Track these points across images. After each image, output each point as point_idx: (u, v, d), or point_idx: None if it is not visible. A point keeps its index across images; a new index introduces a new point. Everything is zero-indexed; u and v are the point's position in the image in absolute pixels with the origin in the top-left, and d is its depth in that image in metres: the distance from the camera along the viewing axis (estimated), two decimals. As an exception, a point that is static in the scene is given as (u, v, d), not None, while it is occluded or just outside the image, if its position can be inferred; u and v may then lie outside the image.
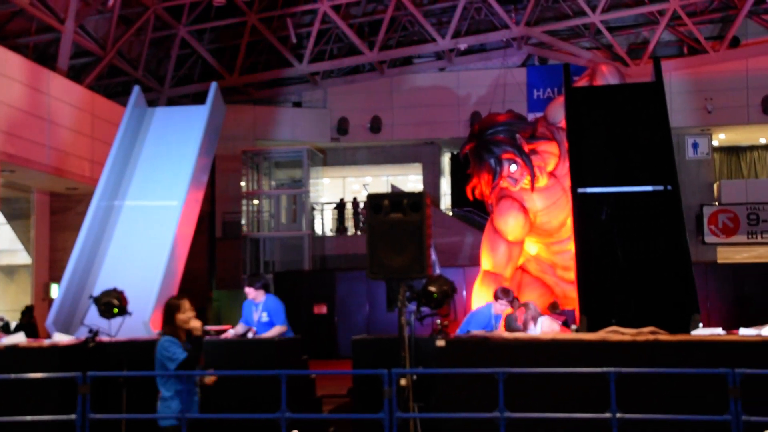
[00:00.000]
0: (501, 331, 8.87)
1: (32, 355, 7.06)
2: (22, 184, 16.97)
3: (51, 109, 15.68)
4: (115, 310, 7.56)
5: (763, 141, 24.43)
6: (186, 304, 6.06)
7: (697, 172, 22.88)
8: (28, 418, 6.22)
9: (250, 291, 9.05)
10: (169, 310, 6.04)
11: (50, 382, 6.59)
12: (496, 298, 9.05)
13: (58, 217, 18.12)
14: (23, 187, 17.35)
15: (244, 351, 8.21)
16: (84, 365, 6.38)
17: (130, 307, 7.85)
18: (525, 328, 9.07)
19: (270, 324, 8.95)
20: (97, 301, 7.61)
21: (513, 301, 10.68)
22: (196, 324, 5.93)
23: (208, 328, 9.35)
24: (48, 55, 17.58)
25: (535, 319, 9.10)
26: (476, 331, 8.38)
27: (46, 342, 7.72)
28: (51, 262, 17.94)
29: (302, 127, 23.71)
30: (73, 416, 5.82)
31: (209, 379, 6.00)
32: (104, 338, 7.66)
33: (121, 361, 7.19)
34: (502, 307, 9.04)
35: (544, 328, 9.07)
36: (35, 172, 15.59)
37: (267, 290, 9.12)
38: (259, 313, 9.02)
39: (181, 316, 5.94)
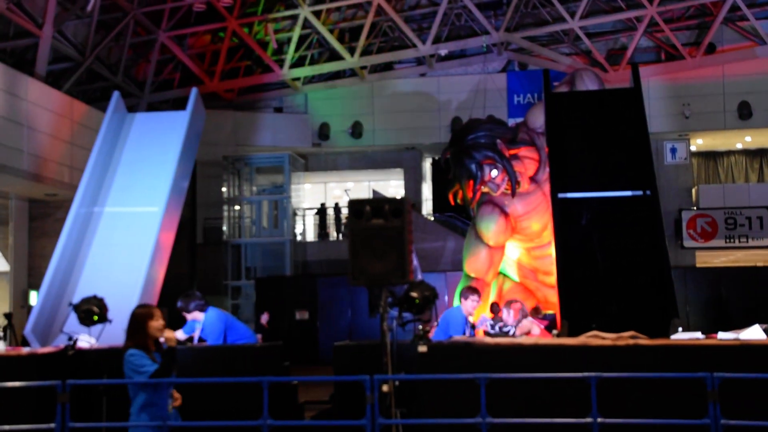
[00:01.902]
0: (481, 335, 8.90)
1: (11, 364, 6.99)
2: (-1, 190, 16.81)
3: (29, 114, 15.53)
4: (95, 318, 7.49)
5: (739, 146, 24.74)
6: (157, 311, 5.71)
7: (676, 177, 23.10)
8: (6, 427, 6.15)
9: (186, 316, 8.71)
10: (139, 318, 5.62)
11: (29, 391, 6.52)
12: (465, 298, 9.06)
13: (37, 223, 17.95)
14: (1, 194, 17.16)
15: (225, 358, 8.17)
16: (63, 373, 6.32)
17: (110, 315, 7.79)
18: (517, 324, 9.12)
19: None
20: (76, 308, 7.54)
21: (493, 305, 10.71)
22: (170, 334, 5.62)
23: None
24: (26, 60, 17.41)
25: (525, 317, 9.16)
26: (458, 336, 8.41)
27: (24, 350, 7.65)
28: (30, 269, 17.76)
29: (283, 133, 23.67)
30: (52, 425, 5.76)
31: (176, 403, 5.66)
32: (83, 346, 7.60)
33: (101, 369, 7.13)
34: (473, 304, 9.06)
35: (523, 330, 9.10)
36: (13, 178, 15.43)
37: (202, 309, 8.72)
38: (198, 333, 8.76)
39: (154, 324, 5.58)
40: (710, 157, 25.09)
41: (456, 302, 11.71)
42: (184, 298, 8.72)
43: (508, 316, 9.23)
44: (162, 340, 5.61)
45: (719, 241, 21.88)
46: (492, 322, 9.51)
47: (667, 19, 21.65)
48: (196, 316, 8.71)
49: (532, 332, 9.23)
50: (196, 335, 8.80)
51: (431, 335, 7.07)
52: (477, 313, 9.91)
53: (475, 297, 9.04)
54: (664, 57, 22.69)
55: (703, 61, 21.97)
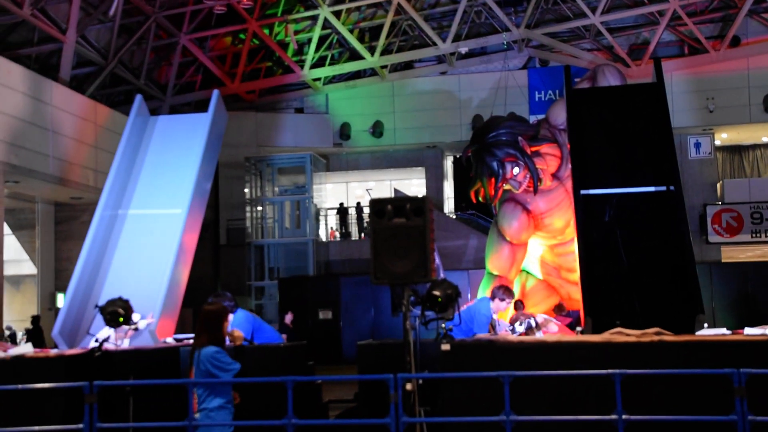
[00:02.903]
0: (505, 334, 8.86)
1: (39, 365, 7.08)
2: (26, 194, 17.03)
3: (54, 118, 15.74)
4: (121, 319, 7.57)
5: (765, 140, 24.42)
6: (228, 311, 5.67)
7: (700, 172, 22.86)
8: (36, 428, 6.23)
9: None
10: (215, 316, 5.54)
11: (57, 392, 6.60)
12: (501, 299, 8.99)
13: (62, 226, 18.18)
14: (27, 198, 17.41)
15: (250, 357, 8.20)
16: (90, 374, 6.39)
17: (135, 316, 7.86)
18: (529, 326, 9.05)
19: None
20: (102, 310, 7.62)
21: (518, 303, 10.63)
22: (238, 333, 5.62)
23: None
24: (50, 65, 17.65)
25: (523, 321, 9.05)
26: (481, 335, 8.39)
27: (52, 352, 7.74)
28: (56, 271, 18.00)
29: (304, 133, 23.76)
30: (80, 426, 5.83)
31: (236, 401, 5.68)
32: (110, 347, 7.68)
33: (127, 370, 7.21)
34: (507, 306, 9.01)
35: (542, 323, 8.99)
36: (39, 182, 15.65)
37: (232, 310, 8.69)
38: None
39: (225, 325, 5.56)
40: (735, 151, 24.79)
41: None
42: (215, 299, 8.76)
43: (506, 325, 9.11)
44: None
45: (745, 235, 21.62)
46: (511, 327, 9.43)
47: (690, 13, 21.42)
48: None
49: (549, 329, 9.15)
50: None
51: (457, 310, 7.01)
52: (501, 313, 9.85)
53: (510, 300, 8.99)
54: (687, 51, 22.45)
55: (727, 55, 21.71)
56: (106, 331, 7.69)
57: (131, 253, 10.96)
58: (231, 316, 8.72)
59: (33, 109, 15.08)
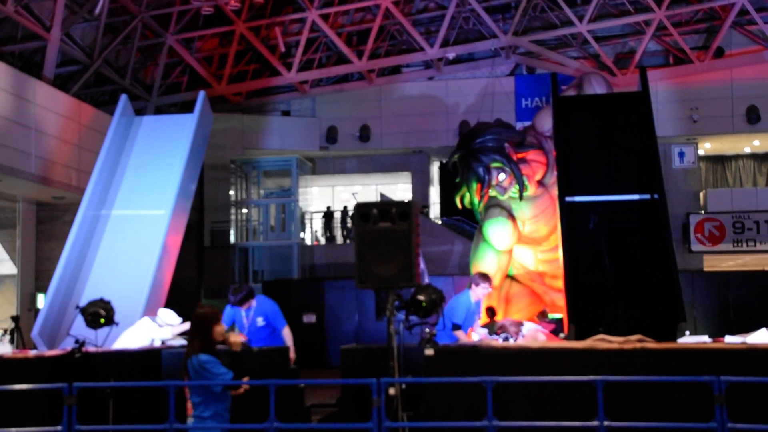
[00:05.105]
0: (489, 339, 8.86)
1: (18, 366, 7.00)
2: (7, 193, 16.86)
3: (37, 117, 15.60)
4: (102, 321, 7.51)
5: (747, 150, 24.66)
6: (219, 314, 5.51)
7: (684, 181, 23.04)
8: (13, 430, 6.16)
9: (240, 308, 8.73)
10: (204, 321, 5.36)
11: (36, 394, 6.53)
12: (476, 284, 8.92)
13: (44, 226, 18.01)
14: (9, 196, 17.23)
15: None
16: (70, 376, 6.33)
17: (117, 317, 7.81)
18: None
19: (268, 327, 8.85)
20: (83, 311, 7.56)
21: (489, 309, 10.58)
22: (236, 338, 5.48)
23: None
24: (33, 63, 17.50)
25: (517, 333, 9.02)
26: (462, 334, 8.40)
27: (31, 353, 7.66)
28: (37, 272, 17.82)
29: (291, 136, 23.70)
30: (58, 428, 5.77)
31: (243, 388, 5.55)
32: (91, 349, 7.61)
33: (107, 372, 7.14)
34: (485, 292, 8.95)
35: (529, 332, 9.00)
36: (21, 181, 15.48)
37: (252, 296, 8.82)
38: (251, 318, 8.84)
39: (218, 329, 5.37)
40: (718, 161, 25.01)
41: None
42: (236, 290, 8.67)
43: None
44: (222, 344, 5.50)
45: (727, 245, 21.79)
46: (496, 335, 9.41)
47: (675, 23, 21.60)
48: (251, 304, 8.75)
49: (537, 338, 9.16)
50: (247, 321, 8.78)
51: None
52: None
53: (486, 284, 8.91)
54: (672, 61, 22.63)
55: (712, 65, 21.91)
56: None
57: (114, 254, 10.90)
58: (253, 302, 8.76)
59: (15, 107, 14.93)
